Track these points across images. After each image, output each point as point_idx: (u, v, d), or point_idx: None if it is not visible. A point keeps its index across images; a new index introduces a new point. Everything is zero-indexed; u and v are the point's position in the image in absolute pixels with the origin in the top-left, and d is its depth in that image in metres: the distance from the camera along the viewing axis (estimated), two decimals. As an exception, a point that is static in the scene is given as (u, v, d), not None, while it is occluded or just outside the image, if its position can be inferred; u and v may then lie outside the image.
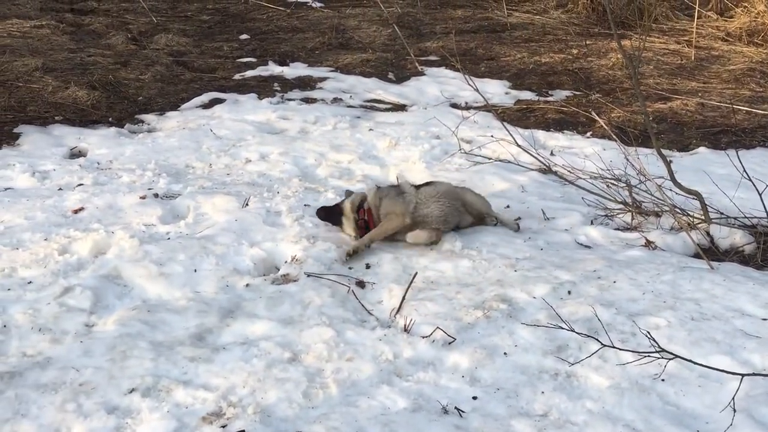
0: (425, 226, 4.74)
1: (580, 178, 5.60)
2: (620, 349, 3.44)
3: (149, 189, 5.43)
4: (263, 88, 8.23)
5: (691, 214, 5.07)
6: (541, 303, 3.96)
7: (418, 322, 3.84)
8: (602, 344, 3.35)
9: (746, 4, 10.83)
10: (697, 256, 4.73)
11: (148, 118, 7.24)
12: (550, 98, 8.15)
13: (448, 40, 9.86)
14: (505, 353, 3.61)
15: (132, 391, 3.31)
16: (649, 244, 4.85)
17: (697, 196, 5.01)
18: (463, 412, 3.23)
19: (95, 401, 3.24)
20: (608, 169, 5.51)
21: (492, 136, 6.50)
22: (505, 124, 6.22)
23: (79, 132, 6.71)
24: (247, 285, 4.23)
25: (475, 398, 3.33)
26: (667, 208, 5.09)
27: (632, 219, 5.19)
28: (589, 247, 4.86)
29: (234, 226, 4.81)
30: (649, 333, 3.33)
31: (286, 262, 4.49)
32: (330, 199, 5.29)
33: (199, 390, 3.34)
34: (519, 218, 5.22)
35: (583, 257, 4.59)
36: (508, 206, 5.42)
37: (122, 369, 3.44)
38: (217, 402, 3.27)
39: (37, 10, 10.91)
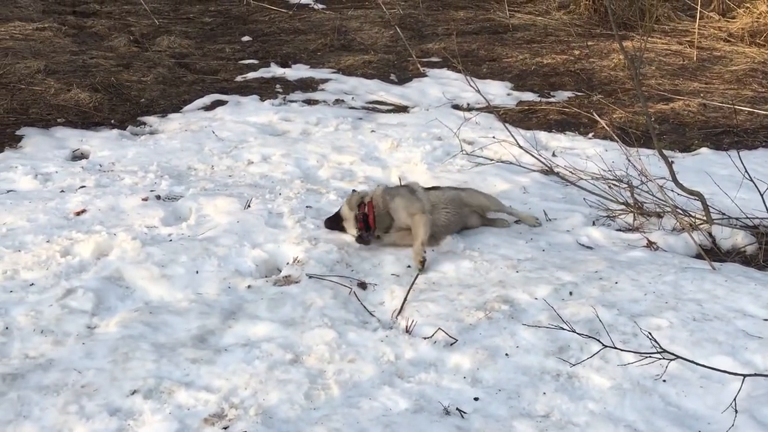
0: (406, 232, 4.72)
1: (582, 179, 5.60)
2: (622, 350, 3.44)
3: (151, 191, 5.44)
4: (265, 89, 8.24)
5: (693, 214, 5.06)
6: (542, 304, 3.96)
7: (419, 323, 3.84)
8: (604, 345, 3.35)
9: (748, 5, 10.82)
10: (698, 256, 4.73)
11: (150, 120, 7.25)
12: (552, 99, 8.14)
13: (449, 42, 9.87)
14: (506, 354, 3.61)
15: (134, 392, 3.32)
16: (650, 244, 4.85)
17: (699, 196, 5.01)
18: (464, 413, 3.24)
19: (97, 403, 3.25)
20: (610, 170, 5.51)
21: (494, 137, 6.51)
22: (507, 125, 6.22)
23: (81, 134, 6.73)
24: (249, 286, 4.23)
25: (476, 399, 3.33)
26: (668, 209, 5.09)
27: (634, 220, 5.19)
28: (590, 248, 4.86)
29: (236, 228, 4.81)
30: (650, 334, 3.33)
31: (287, 263, 4.50)
32: (332, 200, 5.30)
33: (201, 391, 3.34)
34: (518, 221, 5.22)
35: (584, 258, 4.59)
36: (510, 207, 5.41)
37: (124, 371, 3.45)
38: (219, 403, 3.27)
39: (40, 12, 10.93)
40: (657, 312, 3.89)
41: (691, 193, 5.04)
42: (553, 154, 6.41)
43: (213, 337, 3.77)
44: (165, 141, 6.60)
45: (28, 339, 3.66)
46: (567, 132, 7.17)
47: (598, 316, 3.71)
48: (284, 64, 9.18)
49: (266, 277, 4.41)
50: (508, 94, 8.30)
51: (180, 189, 5.50)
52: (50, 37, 9.61)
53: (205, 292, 4.15)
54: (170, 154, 6.26)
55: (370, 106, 7.87)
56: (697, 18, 10.24)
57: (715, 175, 5.62)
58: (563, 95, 8.27)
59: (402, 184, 5.37)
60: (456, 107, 7.75)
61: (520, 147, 5.71)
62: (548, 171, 5.74)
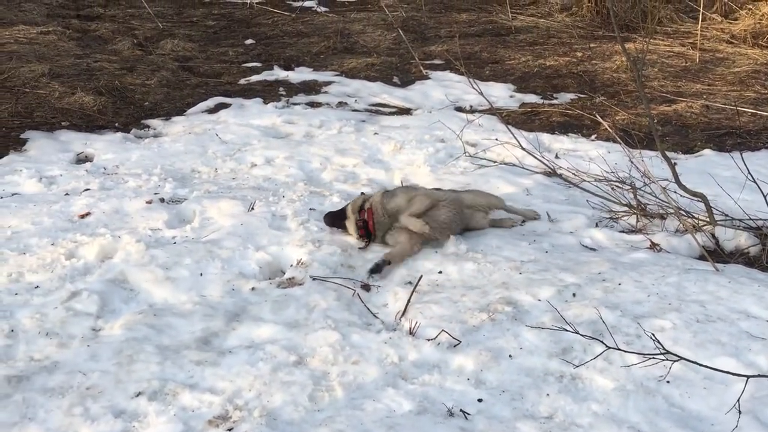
0: (408, 232, 4.73)
1: (585, 180, 5.60)
2: (625, 351, 3.44)
3: (155, 194, 5.45)
4: (268, 92, 8.26)
5: (696, 216, 5.06)
6: (546, 305, 3.96)
7: (423, 325, 3.85)
8: (607, 346, 3.35)
9: (751, 7, 10.82)
10: (702, 258, 4.73)
11: (154, 123, 7.27)
12: (554, 101, 8.15)
13: (452, 44, 9.88)
14: (510, 356, 3.61)
15: (138, 394, 3.33)
16: (654, 246, 4.85)
17: (702, 198, 5.01)
18: (468, 414, 3.24)
19: (102, 405, 3.26)
20: (613, 172, 5.51)
21: (497, 139, 6.51)
22: (510, 127, 6.22)
23: (85, 137, 6.75)
24: (253, 289, 4.24)
25: (480, 401, 3.33)
26: (671, 211, 5.09)
27: (637, 221, 5.18)
28: (594, 249, 4.86)
29: (239, 230, 4.82)
30: (653, 335, 3.33)
31: (291, 265, 4.50)
32: (335, 203, 5.30)
33: (206, 393, 3.35)
34: (524, 221, 5.24)
35: (588, 260, 4.59)
36: (512, 209, 5.43)
37: (129, 373, 3.46)
38: (223, 405, 3.28)
39: (44, 16, 10.97)
40: (660, 313, 3.89)
41: (694, 194, 5.04)
42: (556, 156, 6.41)
43: (217, 339, 3.77)
44: (169, 144, 6.62)
45: (33, 341, 3.67)
46: (570, 134, 7.17)
47: (601, 318, 3.71)
48: (287, 67, 9.20)
49: (270, 279, 4.42)
50: (511, 96, 8.31)
51: (184, 192, 5.52)
52: (54, 40, 9.64)
53: (209, 295, 4.15)
54: (174, 157, 6.28)
55: (373, 108, 7.88)
56: (700, 20, 10.24)
57: (718, 177, 5.62)
58: (566, 97, 8.27)
59: (402, 186, 5.38)
60: (459, 109, 7.76)
61: (523, 149, 5.71)
62: (551, 173, 5.74)
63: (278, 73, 8.92)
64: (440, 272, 4.45)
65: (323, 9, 12.35)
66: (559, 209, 5.42)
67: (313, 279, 4.30)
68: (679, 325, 3.77)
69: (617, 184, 5.44)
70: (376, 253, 4.68)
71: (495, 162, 5.96)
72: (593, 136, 7.09)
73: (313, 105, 7.88)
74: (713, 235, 4.99)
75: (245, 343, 3.74)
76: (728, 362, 3.47)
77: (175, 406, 3.27)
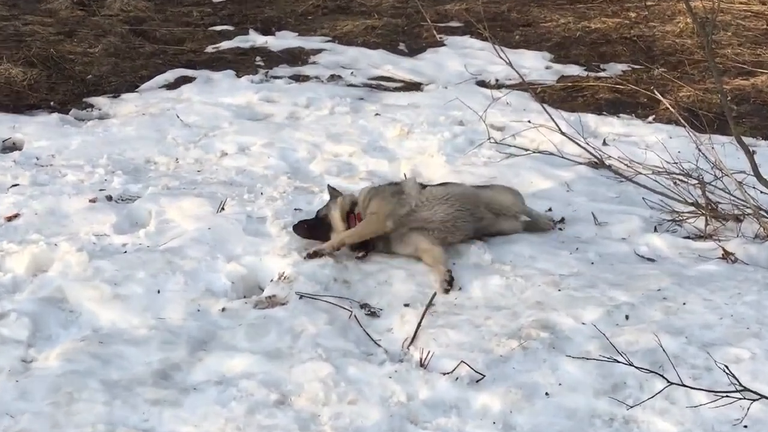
0: (425, 233, 4.76)
1: (641, 173, 5.59)
2: (692, 388, 3.43)
3: (101, 190, 5.46)
4: (242, 63, 8.27)
5: (781, 217, 5.06)
6: (591, 330, 3.96)
7: (437, 355, 3.85)
8: (669, 382, 3.35)
9: None
10: (788, 270, 4.73)
11: (99, 101, 7.28)
12: (602, 74, 8.15)
13: (473, 2, 9.88)
14: (546, 393, 3.61)
15: (80, 442, 3.33)
16: (727, 255, 4.85)
17: (789, 195, 5.01)
18: (494, 467, 3.25)
19: (35, 455, 3.26)
20: (676, 162, 5.51)
21: (529, 121, 6.48)
22: (546, 106, 6.22)
23: (13, 120, 6.76)
24: (224, 309, 4.24)
25: (509, 450, 3.34)
26: (749, 211, 5.08)
27: (706, 225, 5.18)
28: (652, 260, 4.86)
29: (207, 237, 4.83)
30: (727, 367, 3.32)
31: (272, 280, 4.51)
32: (326, 201, 5.30)
33: (164, 441, 3.35)
34: (564, 221, 5.25)
35: (644, 273, 4.59)
36: (550, 209, 5.43)
37: (68, 415, 3.45)
38: (187, 456, 3.29)
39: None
40: (736, 340, 3.88)
41: (779, 190, 5.04)
42: (604, 143, 6.41)
43: (179, 373, 3.77)
44: (117, 128, 6.63)
45: (-52, 376, 3.68)
46: (621, 115, 7.17)
47: (661, 346, 3.71)
48: (266, 31, 9.22)
49: (245, 297, 4.42)
50: (547, 68, 8.31)
51: (137, 188, 5.52)
52: (-27, -2, 9.67)
53: (168, 317, 4.16)
54: (124, 144, 6.28)
55: (374, 83, 7.89)
56: (785, -29, 10.23)
57: (809, 169, 5.62)
58: (616, 68, 8.28)
59: (395, 181, 5.35)
60: (482, 84, 7.77)
61: (563, 133, 5.71)
62: (598, 164, 5.74)
63: (255, 39, 8.94)
64: (459, 288, 4.45)
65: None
66: (607, 209, 5.42)
67: (300, 297, 4.30)
68: (759, 355, 3.77)
69: (681, 177, 5.43)
70: (379, 264, 4.68)
71: (527, 150, 5.95)
72: (651, 118, 7.09)
73: (298, 79, 7.89)
74: (802, 242, 4.99)
75: (214, 377, 3.74)
76: (821, 402, 3.47)
77: (126, 456, 3.28)
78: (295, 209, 5.22)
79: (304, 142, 6.38)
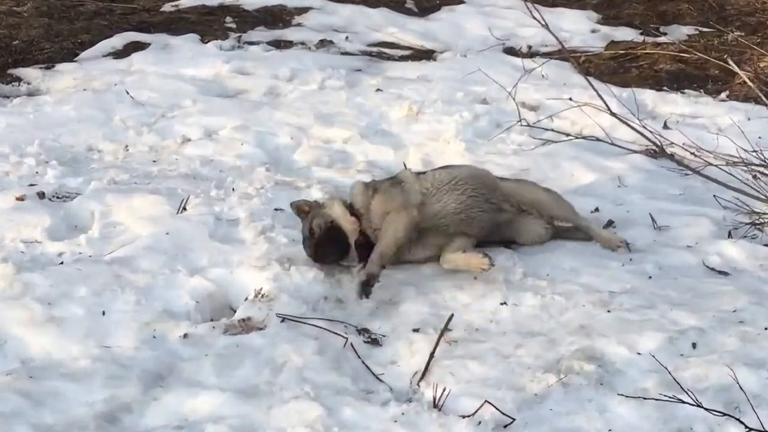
0: (440, 234, 4.79)
1: (711, 164, 5.59)
2: (776, 436, 3.44)
3: (30, 185, 5.47)
4: (209, 25, 8.28)
5: None
6: (649, 362, 3.95)
7: (454, 393, 3.84)
8: (747, 427, 3.35)
9: None
10: None
11: (29, 73, 7.29)
12: (662, 39, 8.14)
13: (499, -52, 9.88)
14: (593, 442, 3.62)
15: (6, 502, 3.34)
16: (820, 268, 4.86)
17: None
18: None
19: None
20: (755, 151, 5.51)
21: (570, 98, 6.50)
22: (592, 79, 6.22)
23: None
24: (186, 336, 4.24)
25: None
26: None
27: (794, 229, 5.20)
28: (725, 273, 4.86)
29: (164, 244, 4.83)
30: (821, 410, 3.33)
31: (246, 299, 4.51)
32: (317, 199, 5.29)
33: (111, 501, 3.36)
34: (614, 225, 5.26)
35: (716, 289, 4.59)
36: (596, 209, 5.44)
37: (-10, 468, 3.46)
38: None
39: None
40: (832, 375, 3.89)
41: None
42: (665, 126, 6.42)
43: (129, 416, 3.77)
44: (52, 107, 6.63)
45: None
46: (686, 90, 7.18)
47: (737, 382, 3.71)
48: (239, -15, 9.22)
49: (212, 320, 4.42)
50: (593, 31, 8.32)
51: (76, 182, 5.53)
52: None
53: (116, 345, 4.15)
54: (61, 128, 6.29)
55: (375, 50, 7.90)
56: None
57: None
58: (680, 32, 8.28)
59: (391, 176, 5.36)
60: (510, 52, 7.78)
61: (613, 114, 5.70)
62: (657, 152, 5.74)
63: (224, -5, 8.95)
64: (481, 310, 4.45)
65: None
66: (669, 210, 5.43)
67: (282, 320, 4.30)
68: None
69: (762, 170, 5.43)
70: (382, 278, 4.67)
71: (568, 135, 5.95)
72: (724, 94, 7.10)
73: (279, 45, 7.90)
74: None
75: (174, 421, 3.74)
76: None
77: None
78: (276, 209, 5.22)
79: (286, 124, 6.38)
